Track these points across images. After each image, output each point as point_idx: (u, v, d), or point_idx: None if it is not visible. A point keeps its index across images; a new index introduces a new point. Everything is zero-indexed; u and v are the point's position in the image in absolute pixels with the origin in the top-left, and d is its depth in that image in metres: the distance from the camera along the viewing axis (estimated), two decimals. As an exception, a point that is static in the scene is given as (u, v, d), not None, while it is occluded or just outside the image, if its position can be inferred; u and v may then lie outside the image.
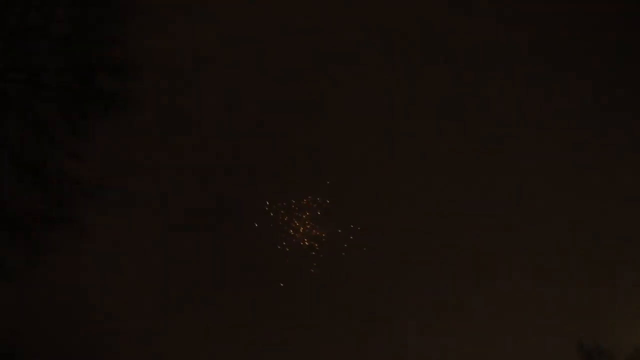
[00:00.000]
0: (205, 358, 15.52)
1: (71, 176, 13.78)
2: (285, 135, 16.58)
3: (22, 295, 13.98)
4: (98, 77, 13.74)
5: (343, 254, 16.15)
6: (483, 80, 17.41)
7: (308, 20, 18.26)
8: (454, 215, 17.23)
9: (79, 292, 14.65)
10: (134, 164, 15.45)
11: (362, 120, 17.11)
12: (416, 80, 17.30)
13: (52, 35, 13.60)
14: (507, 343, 17.19)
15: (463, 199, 17.35)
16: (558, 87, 17.55)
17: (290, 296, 16.15)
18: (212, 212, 16.03)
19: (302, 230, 15.75)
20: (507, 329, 17.09)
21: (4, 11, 12.94)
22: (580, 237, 17.51)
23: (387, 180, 17.15)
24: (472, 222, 17.26)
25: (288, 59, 17.98)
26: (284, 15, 18.28)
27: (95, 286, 15.05)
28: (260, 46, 18.00)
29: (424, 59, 17.45)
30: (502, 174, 17.47)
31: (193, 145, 16.15)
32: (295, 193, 16.32)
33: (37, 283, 14.01)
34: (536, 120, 17.57)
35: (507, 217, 17.40)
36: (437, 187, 17.33)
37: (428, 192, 17.31)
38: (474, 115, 17.55)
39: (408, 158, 17.17)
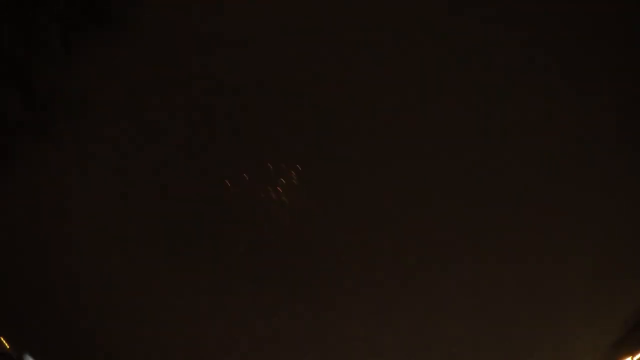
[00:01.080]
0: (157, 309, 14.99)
1: (56, 86, 13.70)
2: (271, 105, 16.63)
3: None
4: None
5: (314, 223, 15.93)
6: (483, 79, 17.63)
7: (308, 20, 18.75)
8: (436, 191, 17.10)
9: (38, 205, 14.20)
10: (121, 87, 15.38)
11: (349, 97, 17.24)
12: (413, 74, 17.52)
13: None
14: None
15: (447, 176, 17.27)
16: (559, 86, 17.77)
17: (253, 264, 15.78)
18: (186, 159, 15.84)
19: (275, 197, 15.55)
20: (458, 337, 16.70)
21: None
22: (552, 248, 17.39)
23: (369, 154, 17.13)
24: (456, 200, 17.12)
25: (287, 55, 18.26)
26: (284, 15, 18.75)
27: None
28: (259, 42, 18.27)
29: (422, 59, 17.72)
30: (497, 169, 17.47)
31: (180, 84, 16.13)
32: (273, 157, 16.22)
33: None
34: (536, 118, 17.71)
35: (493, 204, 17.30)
36: (421, 163, 17.30)
37: (410, 167, 17.28)
38: (470, 106, 17.73)
39: (392, 134, 17.22)
